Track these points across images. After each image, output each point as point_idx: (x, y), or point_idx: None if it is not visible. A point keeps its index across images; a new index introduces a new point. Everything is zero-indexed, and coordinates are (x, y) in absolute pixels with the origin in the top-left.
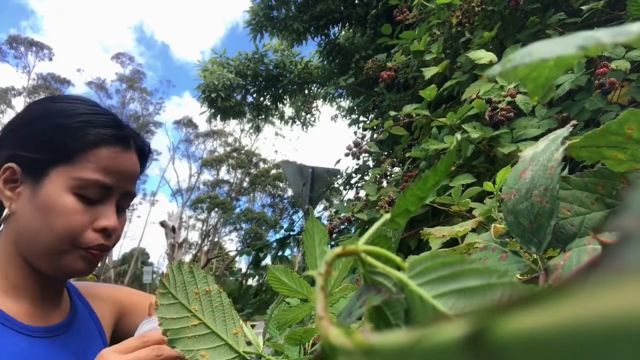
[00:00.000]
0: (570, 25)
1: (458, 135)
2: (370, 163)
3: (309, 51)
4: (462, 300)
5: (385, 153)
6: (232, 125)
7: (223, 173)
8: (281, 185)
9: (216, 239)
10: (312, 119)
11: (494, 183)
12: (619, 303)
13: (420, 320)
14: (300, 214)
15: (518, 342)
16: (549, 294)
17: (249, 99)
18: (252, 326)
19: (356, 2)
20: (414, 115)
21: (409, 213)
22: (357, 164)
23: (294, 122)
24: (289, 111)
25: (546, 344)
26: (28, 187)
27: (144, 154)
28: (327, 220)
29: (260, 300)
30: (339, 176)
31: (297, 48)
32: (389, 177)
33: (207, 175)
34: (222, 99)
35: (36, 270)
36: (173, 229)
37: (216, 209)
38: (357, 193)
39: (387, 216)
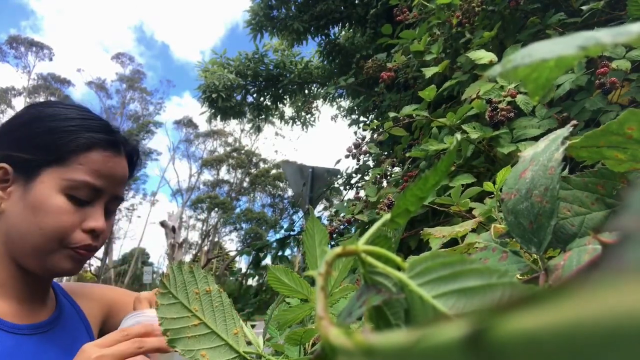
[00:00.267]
0: (570, 25)
1: (458, 136)
2: (371, 163)
3: (309, 51)
4: (462, 300)
5: (385, 153)
6: (232, 125)
7: (223, 173)
8: (281, 185)
9: (216, 239)
10: (312, 119)
11: (494, 183)
12: (619, 303)
13: (420, 321)
14: (300, 214)
15: (518, 342)
16: (549, 294)
17: (249, 99)
18: (252, 326)
19: (356, 2)
20: (414, 115)
21: (409, 213)
22: (357, 164)
23: (294, 122)
24: (289, 111)
25: (546, 344)
26: (19, 187)
27: (133, 160)
28: (328, 221)
29: (260, 300)
30: (339, 176)
31: (297, 48)
32: (389, 177)
33: (207, 175)
34: (222, 100)
35: (23, 269)
36: (173, 229)
37: (216, 209)
38: (357, 193)
39: (387, 216)
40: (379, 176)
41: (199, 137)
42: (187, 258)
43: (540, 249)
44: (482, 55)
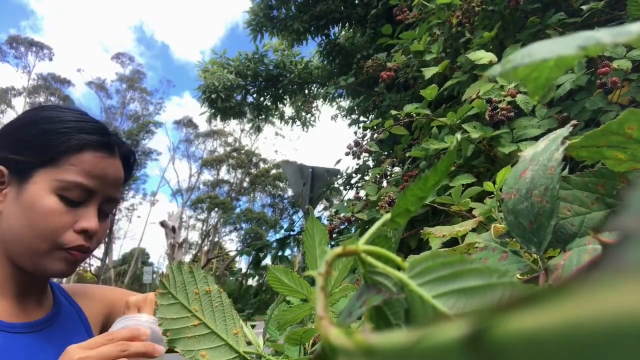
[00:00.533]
0: (570, 25)
1: (458, 135)
2: (371, 163)
3: (309, 51)
4: (462, 300)
5: (386, 153)
6: (232, 125)
7: (223, 173)
8: (281, 185)
9: (216, 239)
10: (312, 119)
11: (494, 183)
12: (619, 303)
13: (420, 320)
14: (300, 214)
15: (518, 342)
16: (549, 294)
17: (249, 99)
18: (252, 326)
19: (356, 2)
20: (414, 115)
21: (409, 213)
22: (357, 164)
23: (294, 122)
24: (289, 111)
25: (546, 344)
26: (14, 188)
27: (129, 162)
28: (328, 221)
29: (260, 300)
30: (339, 176)
31: (297, 48)
32: (389, 177)
33: (207, 175)
34: (222, 100)
35: (19, 269)
36: (173, 229)
37: (216, 209)
38: (357, 193)
39: (387, 216)
40: (379, 176)
41: (199, 137)
42: (187, 258)
43: (540, 248)
44: (482, 55)
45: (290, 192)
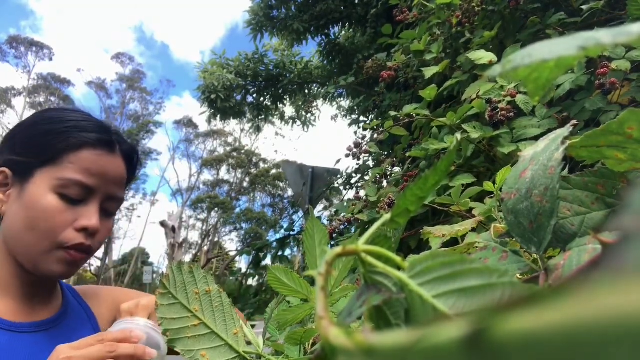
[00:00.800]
0: (570, 25)
1: (458, 135)
2: (371, 163)
3: (309, 51)
4: (463, 300)
5: (386, 153)
6: (232, 125)
7: (223, 173)
8: (281, 185)
9: (216, 239)
10: (313, 118)
11: (494, 183)
12: (619, 303)
13: (420, 320)
14: (300, 213)
15: (518, 342)
16: (549, 293)
17: (249, 99)
18: (252, 326)
19: (356, 2)
20: (414, 115)
21: (409, 213)
22: (357, 164)
23: (294, 122)
24: (289, 111)
25: (546, 344)
26: (16, 189)
27: (132, 161)
28: (328, 221)
29: (260, 300)
30: (339, 176)
31: (297, 48)
32: (389, 177)
33: (207, 175)
34: (221, 100)
35: (25, 269)
36: (173, 229)
37: (216, 209)
38: (357, 193)
39: (387, 216)
40: (379, 176)
41: (199, 137)
42: (187, 258)
43: (540, 248)
44: (482, 55)
45: (290, 192)
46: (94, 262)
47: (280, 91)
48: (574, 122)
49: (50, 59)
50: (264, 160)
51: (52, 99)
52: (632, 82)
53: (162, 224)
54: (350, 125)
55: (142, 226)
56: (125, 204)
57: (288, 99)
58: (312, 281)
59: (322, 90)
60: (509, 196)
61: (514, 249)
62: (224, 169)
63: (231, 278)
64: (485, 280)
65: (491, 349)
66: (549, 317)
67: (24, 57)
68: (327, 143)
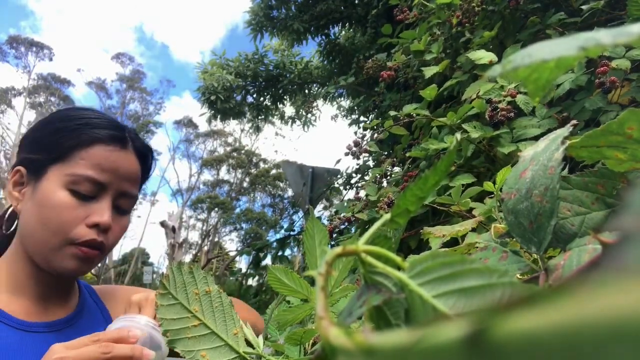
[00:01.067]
0: (570, 25)
1: (458, 135)
2: (371, 163)
3: (309, 51)
4: (463, 300)
5: (386, 153)
6: (232, 125)
7: (223, 173)
8: (281, 185)
9: (216, 239)
10: (313, 118)
11: (494, 183)
12: (619, 303)
13: (420, 320)
14: (300, 214)
15: (518, 342)
16: (549, 294)
17: (249, 99)
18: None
19: (356, 2)
20: (414, 115)
21: (409, 213)
22: (357, 164)
23: (294, 122)
24: (289, 111)
25: (546, 344)
26: (30, 186)
27: (145, 157)
28: (328, 221)
29: (260, 300)
30: (339, 176)
31: (297, 48)
32: (389, 177)
33: (207, 175)
34: (221, 101)
35: (40, 268)
36: (173, 229)
37: (216, 209)
38: (357, 193)
39: (387, 216)
40: (379, 176)
41: (199, 137)
42: (187, 258)
43: (540, 248)
44: (482, 55)
45: (290, 192)
46: None
47: (280, 91)
48: (574, 122)
49: (50, 59)
50: (264, 160)
51: (52, 99)
52: (632, 82)
53: (162, 224)
54: (350, 125)
55: (142, 226)
56: None
57: (288, 99)
58: (312, 281)
59: (322, 90)
60: (509, 196)
61: (514, 249)
62: (224, 169)
63: (231, 278)
64: (485, 280)
65: (491, 349)
66: (549, 317)
67: (24, 57)
68: (327, 143)
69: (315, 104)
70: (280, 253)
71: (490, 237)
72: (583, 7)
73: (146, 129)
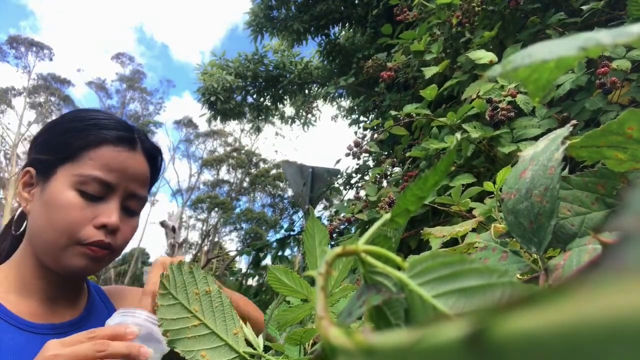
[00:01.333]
0: (570, 25)
1: (458, 135)
2: (371, 163)
3: (309, 51)
4: (462, 300)
5: (386, 153)
6: (232, 125)
7: (223, 173)
8: (281, 185)
9: (216, 239)
10: (313, 119)
11: (494, 183)
12: (619, 303)
13: (420, 320)
14: (301, 214)
15: (518, 342)
16: (549, 294)
17: (249, 100)
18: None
19: (356, 2)
20: (414, 115)
21: (409, 213)
22: (357, 164)
23: (294, 122)
24: (289, 111)
25: (546, 344)
26: (39, 187)
27: (155, 159)
28: (328, 221)
29: (260, 300)
30: (339, 176)
31: (297, 48)
32: (389, 177)
33: (207, 175)
34: (221, 102)
35: (48, 269)
36: (173, 229)
37: (216, 209)
38: (357, 193)
39: (387, 216)
40: (379, 176)
41: (199, 137)
42: (187, 258)
43: (540, 248)
44: (482, 55)
45: (290, 192)
46: None
47: (280, 92)
48: (574, 122)
49: (50, 59)
50: (264, 160)
51: (52, 99)
52: (632, 82)
53: (162, 224)
54: (350, 125)
55: (142, 226)
56: None
57: (288, 100)
58: (312, 281)
59: (322, 91)
60: (509, 196)
61: (514, 249)
62: (224, 169)
63: (231, 278)
64: (485, 280)
65: (491, 349)
66: (549, 317)
67: (24, 57)
68: (327, 143)
69: (315, 104)
70: (280, 253)
71: (490, 237)
72: (583, 7)
73: (146, 129)
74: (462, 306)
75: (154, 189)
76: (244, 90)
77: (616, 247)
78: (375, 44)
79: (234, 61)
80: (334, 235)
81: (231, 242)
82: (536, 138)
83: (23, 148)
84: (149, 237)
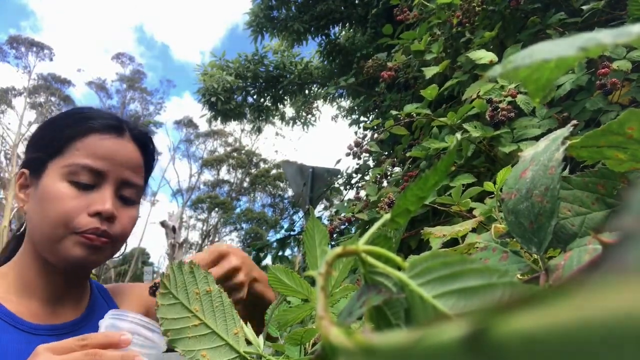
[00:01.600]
0: (570, 25)
1: (458, 135)
2: (371, 163)
3: (309, 51)
4: (463, 300)
5: (386, 153)
6: (233, 126)
7: (223, 173)
8: (281, 185)
9: (216, 239)
10: (313, 119)
11: (494, 183)
12: (620, 303)
13: (420, 320)
14: (301, 214)
15: (518, 342)
16: (549, 294)
17: (250, 100)
18: None
19: (356, 2)
20: (415, 114)
21: (409, 213)
22: (357, 164)
23: (294, 122)
24: (289, 111)
25: (546, 344)
26: (33, 186)
27: (146, 145)
28: (328, 221)
29: None
30: (339, 176)
31: (297, 48)
32: (389, 177)
33: (208, 175)
34: (222, 102)
35: (49, 269)
36: (173, 229)
37: (216, 209)
38: (358, 193)
39: (388, 216)
40: (379, 176)
41: (199, 137)
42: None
43: (541, 249)
44: (483, 55)
45: (290, 192)
46: None
47: (280, 92)
48: (574, 122)
49: (51, 59)
50: (264, 161)
51: (53, 99)
52: (633, 82)
53: (163, 224)
54: (350, 125)
55: (142, 226)
56: None
57: (288, 100)
58: (312, 281)
59: (322, 91)
60: (509, 196)
61: (514, 249)
62: (224, 169)
63: None
64: (486, 280)
65: (491, 349)
66: (549, 317)
67: (24, 57)
68: (327, 143)
69: (315, 104)
70: (280, 253)
71: (491, 237)
72: (583, 7)
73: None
74: (463, 306)
75: (154, 189)
76: (244, 91)
77: (616, 247)
78: (375, 44)
79: (234, 62)
80: (334, 235)
81: (231, 242)
82: (536, 138)
83: (23, 148)
84: (149, 237)
